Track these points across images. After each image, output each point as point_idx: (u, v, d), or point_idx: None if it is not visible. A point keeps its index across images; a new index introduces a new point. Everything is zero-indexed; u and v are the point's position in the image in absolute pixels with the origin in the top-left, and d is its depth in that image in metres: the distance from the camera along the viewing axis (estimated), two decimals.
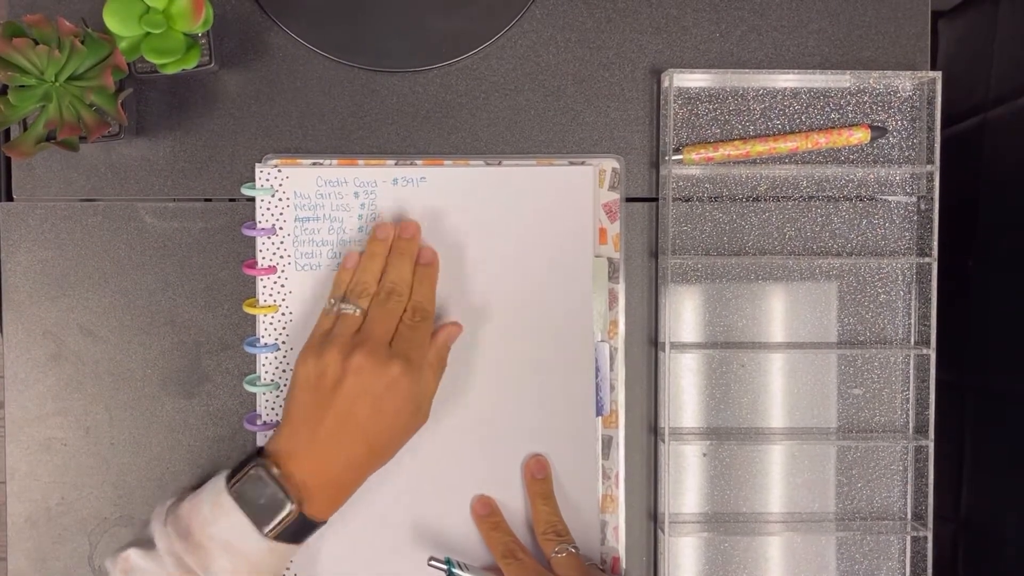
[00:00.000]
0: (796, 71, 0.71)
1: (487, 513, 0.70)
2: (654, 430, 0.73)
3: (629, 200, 0.73)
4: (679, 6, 0.73)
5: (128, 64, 0.62)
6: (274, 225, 0.70)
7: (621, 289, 0.72)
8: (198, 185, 0.71)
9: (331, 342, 0.63)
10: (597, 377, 0.71)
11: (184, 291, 0.71)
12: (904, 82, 0.73)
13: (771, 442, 0.73)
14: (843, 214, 0.73)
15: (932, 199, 0.71)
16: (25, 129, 0.63)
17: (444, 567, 0.65)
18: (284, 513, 0.60)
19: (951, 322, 0.77)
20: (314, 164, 0.71)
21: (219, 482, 0.61)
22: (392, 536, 0.70)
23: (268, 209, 0.70)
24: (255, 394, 0.71)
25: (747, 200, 0.73)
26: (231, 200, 0.72)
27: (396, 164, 0.71)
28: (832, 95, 0.73)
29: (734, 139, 0.73)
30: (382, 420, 0.63)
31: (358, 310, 0.65)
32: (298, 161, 0.71)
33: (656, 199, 0.73)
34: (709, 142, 0.72)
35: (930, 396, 0.72)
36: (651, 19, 0.73)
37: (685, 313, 0.73)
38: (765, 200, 0.73)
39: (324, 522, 0.63)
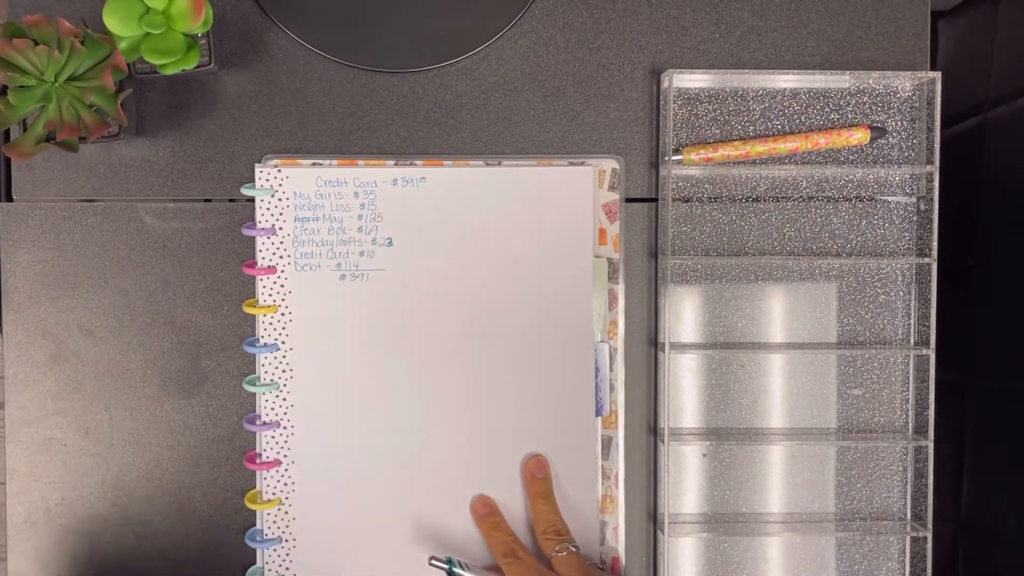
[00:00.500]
0: (796, 71, 0.71)
1: (487, 513, 0.70)
2: (654, 430, 0.73)
3: (629, 200, 0.73)
4: (679, 6, 0.73)
5: (128, 64, 0.62)
6: (274, 225, 0.70)
7: (621, 289, 0.72)
8: (198, 185, 0.71)
9: None
10: (597, 377, 0.71)
11: (184, 291, 0.71)
12: (904, 82, 0.73)
13: (771, 442, 0.73)
14: (843, 214, 0.73)
15: (932, 199, 0.71)
16: (25, 129, 0.63)
17: (445, 567, 0.65)
18: None
19: (951, 322, 0.76)
20: (314, 164, 0.71)
21: None
22: (392, 536, 0.70)
23: (268, 209, 0.70)
24: (255, 394, 0.71)
25: (747, 200, 0.73)
26: (231, 200, 0.72)
27: (396, 164, 0.71)
28: (832, 95, 0.73)
29: (734, 139, 0.73)
30: None
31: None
32: (298, 161, 0.71)
33: (656, 199, 0.73)
34: (709, 142, 0.72)
35: (930, 396, 0.72)
36: (651, 19, 0.73)
37: (685, 313, 0.73)
38: (765, 200, 0.73)
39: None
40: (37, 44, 0.59)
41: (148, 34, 0.61)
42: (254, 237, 0.70)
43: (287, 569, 0.70)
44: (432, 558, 0.65)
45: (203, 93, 0.71)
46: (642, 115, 0.73)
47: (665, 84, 0.71)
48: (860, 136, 0.72)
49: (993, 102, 0.89)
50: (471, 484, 0.71)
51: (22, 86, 0.60)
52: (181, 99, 0.71)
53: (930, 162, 0.72)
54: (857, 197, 0.74)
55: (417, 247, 0.70)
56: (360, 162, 0.71)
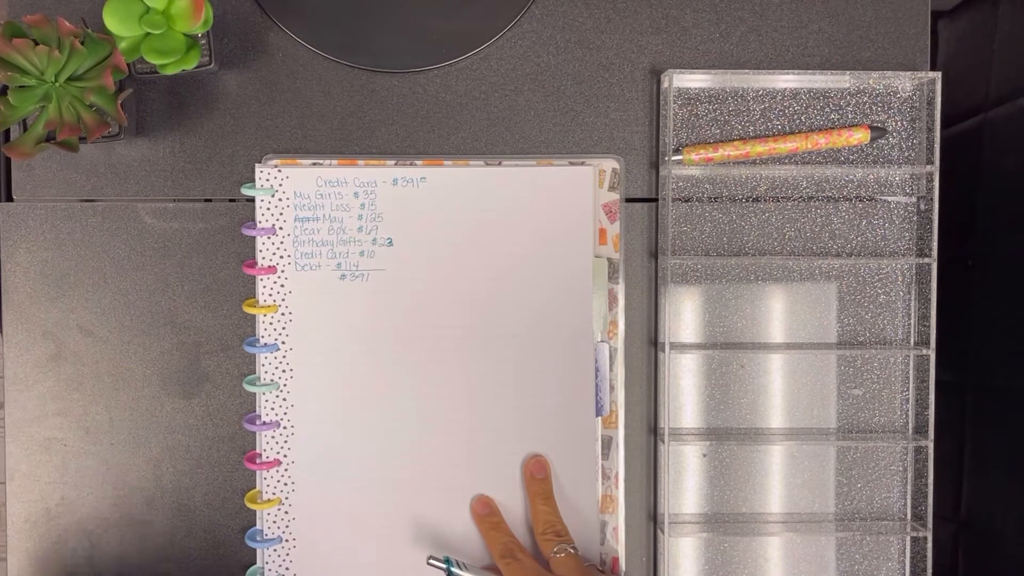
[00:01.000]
0: (796, 71, 0.71)
1: (487, 513, 0.70)
2: (654, 430, 0.73)
3: (629, 200, 0.73)
4: (679, 6, 0.73)
5: (128, 64, 0.62)
6: (274, 225, 0.70)
7: (621, 289, 0.72)
8: (198, 185, 0.71)
9: None
10: (597, 377, 0.71)
11: (184, 291, 0.71)
12: (904, 82, 0.73)
13: (771, 442, 0.73)
14: (843, 214, 0.73)
15: (932, 199, 0.71)
16: (25, 129, 0.63)
17: (443, 566, 0.65)
18: None
19: (951, 322, 0.77)
20: (314, 164, 0.71)
21: None
22: (392, 536, 0.70)
23: (268, 209, 0.70)
24: (255, 394, 0.71)
25: (747, 200, 0.73)
26: (231, 200, 0.72)
27: (396, 164, 0.71)
28: (832, 95, 0.73)
29: (734, 139, 0.73)
30: None
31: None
32: (298, 161, 0.71)
33: (656, 199, 0.73)
34: (709, 142, 0.72)
35: (930, 396, 0.72)
36: (651, 19, 0.73)
37: (685, 313, 0.73)
38: (765, 200, 0.73)
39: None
40: (37, 44, 0.59)
41: (148, 34, 0.61)
42: (254, 237, 0.70)
43: (287, 569, 0.70)
44: (430, 558, 0.65)
45: (203, 93, 0.71)
46: (642, 115, 0.73)
47: (665, 84, 0.71)
48: (860, 136, 0.72)
49: (993, 102, 0.89)
50: (471, 484, 0.71)
51: (22, 86, 0.60)
52: (181, 99, 0.71)
53: (930, 162, 0.72)
54: (857, 197, 0.74)
55: (417, 247, 0.70)
56: (360, 162, 0.71)
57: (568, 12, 0.72)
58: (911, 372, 0.74)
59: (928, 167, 0.72)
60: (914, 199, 0.74)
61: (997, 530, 0.85)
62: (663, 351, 0.71)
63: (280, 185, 0.70)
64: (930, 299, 0.71)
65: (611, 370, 0.72)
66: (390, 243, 0.70)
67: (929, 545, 0.72)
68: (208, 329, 0.71)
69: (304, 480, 0.70)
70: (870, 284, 0.74)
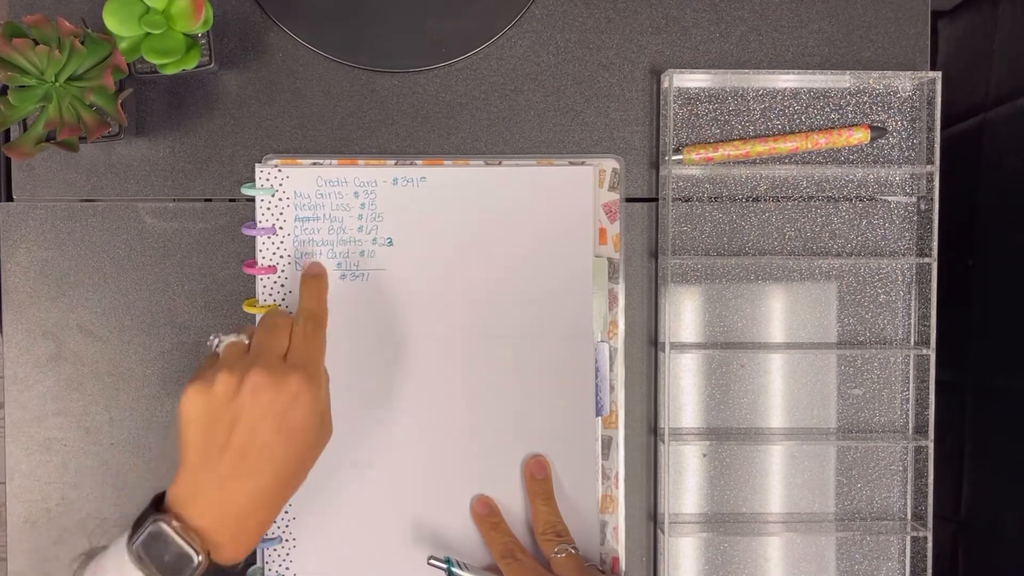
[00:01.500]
0: (796, 71, 0.71)
1: (487, 513, 0.70)
2: (654, 430, 0.73)
3: (629, 200, 0.73)
4: (679, 6, 0.73)
5: (128, 64, 0.62)
6: (274, 225, 0.70)
7: (621, 289, 0.72)
8: (198, 185, 0.71)
9: (218, 368, 0.58)
10: (597, 377, 0.71)
11: (184, 291, 0.71)
12: (904, 82, 0.73)
13: (771, 442, 0.73)
14: (843, 214, 0.73)
15: (932, 199, 0.71)
16: (25, 129, 0.63)
17: (444, 566, 0.65)
18: (193, 566, 0.55)
19: (951, 322, 0.77)
20: (314, 164, 0.71)
21: (121, 543, 0.56)
22: (392, 536, 0.70)
23: (268, 209, 0.70)
24: None
25: (747, 200, 0.73)
26: (231, 200, 0.72)
27: (396, 164, 0.71)
28: (832, 95, 0.73)
29: (734, 139, 0.73)
30: (288, 441, 0.58)
31: (244, 337, 0.61)
32: (298, 161, 0.71)
33: (656, 199, 0.73)
34: (709, 142, 0.72)
35: (930, 396, 0.72)
36: (651, 19, 0.73)
37: (685, 313, 0.73)
38: (765, 200, 0.73)
39: (240, 564, 0.59)
40: (37, 44, 0.59)
41: (148, 34, 0.61)
42: (254, 237, 0.70)
43: (287, 569, 0.70)
44: (431, 558, 0.65)
45: (203, 93, 0.71)
46: (642, 115, 0.73)
47: (665, 84, 0.71)
48: (860, 136, 0.72)
49: (993, 102, 0.89)
50: (471, 484, 0.71)
51: (22, 86, 0.60)
52: (181, 99, 0.71)
53: (930, 162, 0.72)
54: (857, 197, 0.74)
55: (417, 247, 0.70)
56: (360, 162, 0.71)
57: (568, 12, 0.72)
58: (911, 372, 0.74)
59: (928, 167, 0.72)
60: (914, 199, 0.74)
61: (997, 530, 0.85)
62: (663, 351, 0.71)
63: (280, 185, 0.70)
64: (930, 299, 0.71)
65: (611, 370, 0.72)
66: (390, 243, 0.70)
67: (929, 545, 0.72)
68: (208, 329, 0.71)
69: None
70: (870, 284, 0.74)
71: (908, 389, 0.74)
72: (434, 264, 0.70)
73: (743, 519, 0.73)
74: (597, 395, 0.71)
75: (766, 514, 0.74)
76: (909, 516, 0.74)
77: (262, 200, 0.70)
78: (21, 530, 0.71)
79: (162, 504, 0.57)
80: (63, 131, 0.60)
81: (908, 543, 0.73)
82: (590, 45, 0.72)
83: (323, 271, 0.68)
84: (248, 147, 0.71)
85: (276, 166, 0.70)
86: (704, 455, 0.73)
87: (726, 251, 0.73)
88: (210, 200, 0.72)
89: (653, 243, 0.73)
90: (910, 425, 0.74)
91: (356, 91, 0.72)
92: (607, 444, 0.72)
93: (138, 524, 0.56)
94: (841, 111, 0.73)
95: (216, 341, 0.62)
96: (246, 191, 0.70)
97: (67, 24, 0.59)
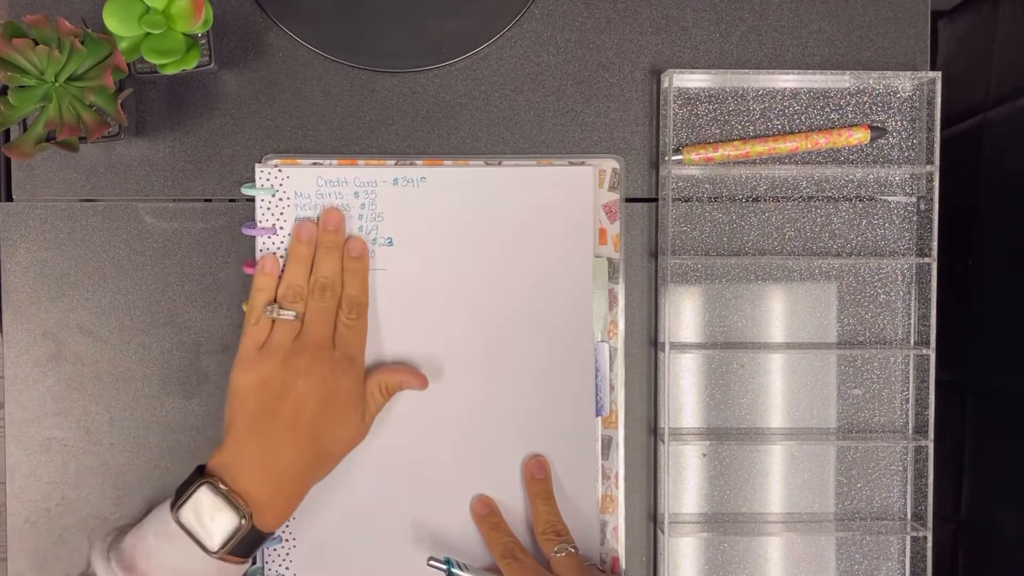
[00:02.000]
0: (796, 71, 0.71)
1: (487, 513, 0.70)
2: (654, 430, 0.73)
3: (629, 200, 0.73)
4: (679, 6, 0.73)
5: (128, 64, 0.62)
6: (274, 225, 0.70)
7: (621, 289, 0.72)
8: (198, 185, 0.71)
9: (273, 350, 0.64)
10: (597, 377, 0.71)
11: (184, 291, 0.71)
12: (904, 82, 0.73)
13: (771, 442, 0.73)
14: (843, 214, 0.73)
15: (932, 199, 0.71)
16: (25, 129, 0.63)
17: (443, 567, 0.65)
18: (235, 527, 0.60)
19: (951, 322, 0.77)
20: (314, 164, 0.71)
21: (163, 510, 0.61)
22: (392, 536, 0.70)
23: (268, 209, 0.70)
24: None
25: (747, 200, 0.73)
26: (231, 200, 0.72)
27: (396, 164, 0.71)
28: (832, 95, 0.73)
29: (734, 139, 0.73)
30: (331, 425, 0.64)
31: (295, 315, 0.65)
32: (298, 161, 0.71)
33: (656, 199, 0.73)
34: (709, 142, 0.72)
35: (930, 396, 0.72)
36: (651, 19, 0.73)
37: (685, 313, 0.73)
38: (765, 200, 0.73)
39: (272, 534, 0.63)
40: (37, 44, 0.59)
41: (148, 34, 0.61)
42: (254, 237, 0.70)
43: (287, 569, 0.70)
44: (431, 558, 0.65)
45: (203, 93, 0.71)
46: (642, 115, 0.73)
47: (665, 84, 0.71)
48: (860, 136, 0.72)
49: (993, 102, 0.89)
50: (471, 484, 0.71)
51: (22, 86, 0.60)
52: (181, 99, 0.71)
53: (930, 162, 0.72)
54: (857, 197, 0.74)
55: (417, 247, 0.70)
56: (360, 162, 0.71)
57: (568, 12, 0.72)
58: (911, 372, 0.74)
59: (928, 167, 0.72)
60: (914, 199, 0.74)
61: (997, 530, 0.85)
62: (663, 351, 0.71)
63: (280, 185, 0.70)
64: (930, 299, 0.71)
65: (611, 370, 0.72)
66: (390, 243, 0.70)
67: (929, 545, 0.72)
68: (208, 329, 0.71)
69: None
70: (870, 284, 0.74)
71: (908, 389, 0.74)
72: (434, 264, 0.70)
73: (743, 519, 0.73)
74: (597, 395, 0.71)
75: (766, 514, 0.74)
76: (909, 516, 0.74)
77: (262, 200, 0.70)
78: (21, 530, 0.71)
79: (204, 473, 0.62)
80: (63, 131, 0.60)
81: (908, 543, 0.74)
82: (590, 45, 0.73)
83: (364, 251, 0.69)
84: (248, 147, 0.71)
85: (276, 166, 0.70)
86: (704, 455, 0.73)
87: (726, 251, 0.73)
88: (210, 200, 0.72)
89: (653, 243, 0.73)
90: (910, 425, 0.74)
91: (356, 91, 0.72)
92: (607, 444, 0.72)
93: (182, 489, 0.60)
94: (841, 111, 0.73)
95: (270, 309, 0.65)
96: (246, 191, 0.70)
97: (67, 24, 0.59)
